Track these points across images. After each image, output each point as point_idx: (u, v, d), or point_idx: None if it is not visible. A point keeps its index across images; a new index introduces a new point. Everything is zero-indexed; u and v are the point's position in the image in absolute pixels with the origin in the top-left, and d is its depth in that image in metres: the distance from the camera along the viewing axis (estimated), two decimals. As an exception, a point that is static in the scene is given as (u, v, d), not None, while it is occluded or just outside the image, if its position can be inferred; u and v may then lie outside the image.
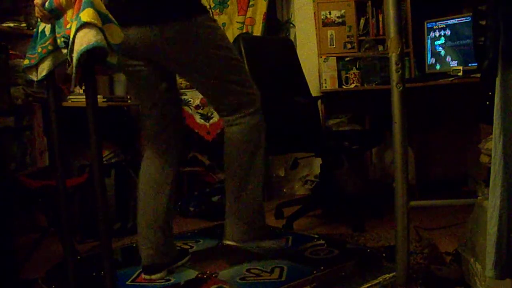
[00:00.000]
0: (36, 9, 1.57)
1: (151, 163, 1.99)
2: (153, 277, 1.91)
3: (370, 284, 1.80)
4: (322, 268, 1.91)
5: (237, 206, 2.09)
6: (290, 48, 3.23)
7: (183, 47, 1.84)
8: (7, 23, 2.88)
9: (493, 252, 1.33)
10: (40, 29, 1.61)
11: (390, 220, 1.91)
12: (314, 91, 3.37)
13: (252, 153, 2.06)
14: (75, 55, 1.35)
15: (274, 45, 3.18)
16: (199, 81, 2.01)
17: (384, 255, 2.07)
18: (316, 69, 3.60)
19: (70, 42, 1.38)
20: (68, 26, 1.44)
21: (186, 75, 2.10)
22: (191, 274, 1.95)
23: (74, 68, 1.36)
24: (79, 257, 2.28)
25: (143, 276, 1.94)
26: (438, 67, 3.39)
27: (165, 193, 1.96)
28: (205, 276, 1.91)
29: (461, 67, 3.16)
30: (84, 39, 1.34)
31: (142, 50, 1.84)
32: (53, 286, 1.90)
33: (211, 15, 1.98)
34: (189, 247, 2.31)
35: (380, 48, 3.54)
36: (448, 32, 3.32)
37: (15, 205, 2.28)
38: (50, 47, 1.58)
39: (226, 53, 1.94)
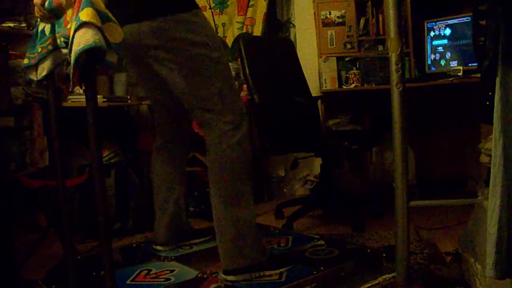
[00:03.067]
0: (36, 8, 1.57)
1: (163, 157, 2.27)
2: (158, 247, 2.27)
3: (370, 284, 1.80)
4: (322, 268, 1.91)
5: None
6: (290, 48, 3.22)
7: (167, 44, 1.80)
8: (7, 23, 2.88)
9: (493, 252, 1.33)
10: (39, 28, 1.61)
11: (390, 220, 1.91)
12: (314, 91, 3.37)
13: (236, 178, 1.83)
14: (72, 55, 1.35)
15: (274, 45, 3.18)
16: (178, 83, 1.85)
17: (384, 255, 2.07)
18: (316, 69, 3.60)
19: (69, 42, 1.38)
20: (68, 26, 1.44)
21: (168, 75, 1.88)
22: (191, 274, 1.95)
23: (71, 68, 1.37)
24: (79, 257, 2.28)
25: (153, 246, 2.29)
26: (438, 67, 3.39)
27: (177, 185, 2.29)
28: (205, 276, 1.91)
29: (461, 67, 3.16)
30: (82, 39, 1.34)
31: (135, 48, 1.85)
32: (53, 286, 1.90)
33: (199, 12, 1.88)
34: (189, 247, 2.32)
35: (380, 48, 3.54)
36: (448, 32, 3.32)
37: (15, 205, 2.28)
38: (50, 47, 1.58)
39: (210, 54, 1.83)
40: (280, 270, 1.89)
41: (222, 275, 1.87)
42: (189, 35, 1.80)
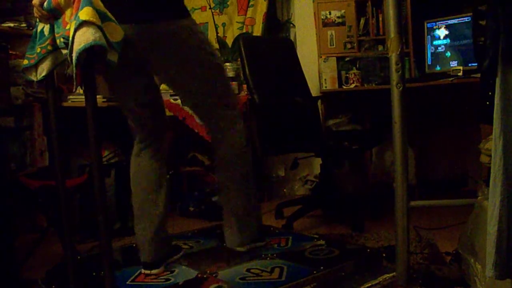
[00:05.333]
0: (35, 9, 1.57)
1: (142, 159, 2.02)
2: (153, 271, 1.96)
3: (370, 284, 1.80)
4: (322, 268, 1.91)
5: (238, 212, 2.12)
6: (290, 48, 3.23)
7: (169, 47, 1.83)
8: (7, 23, 2.88)
9: (493, 252, 1.33)
10: (38, 29, 1.61)
11: (390, 220, 1.91)
12: (314, 91, 3.37)
13: (243, 166, 2.08)
14: (74, 55, 1.35)
15: (274, 45, 3.18)
16: (180, 85, 2.00)
17: (384, 255, 2.07)
18: (316, 69, 3.60)
19: (69, 42, 1.38)
20: (67, 27, 1.44)
21: (170, 78, 2.01)
22: (191, 274, 1.95)
23: (74, 68, 1.36)
24: (79, 257, 2.28)
25: (143, 271, 1.97)
26: (438, 67, 3.39)
27: (162, 193, 2.00)
28: (205, 276, 1.91)
29: (461, 67, 3.16)
30: (83, 38, 1.34)
31: (131, 49, 1.81)
32: (53, 286, 1.90)
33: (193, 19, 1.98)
34: (189, 247, 2.31)
35: (380, 48, 3.54)
36: (448, 32, 3.32)
37: (15, 205, 2.28)
38: (49, 47, 1.58)
39: (211, 58, 1.95)
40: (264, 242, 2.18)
41: (236, 248, 2.10)
42: (197, 41, 1.89)
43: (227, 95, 2.03)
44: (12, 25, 2.90)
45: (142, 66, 1.93)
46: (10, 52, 2.67)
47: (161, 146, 2.05)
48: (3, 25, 2.86)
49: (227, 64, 3.54)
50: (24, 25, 2.96)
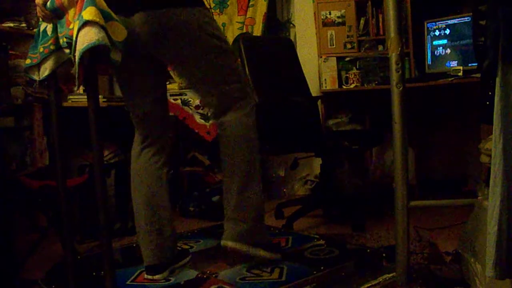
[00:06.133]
0: (38, 8, 1.57)
1: (144, 158, 2.00)
2: (156, 277, 1.91)
3: (370, 284, 1.80)
4: (322, 268, 1.92)
5: (239, 206, 1.95)
6: (290, 48, 3.23)
7: (184, 34, 1.83)
8: (7, 23, 2.88)
9: (493, 252, 1.33)
10: (41, 28, 1.61)
11: (390, 220, 1.91)
12: (314, 91, 3.37)
13: (251, 151, 1.96)
14: (77, 55, 1.35)
15: (274, 45, 3.18)
16: (193, 72, 1.95)
17: (384, 255, 2.07)
18: (316, 69, 3.60)
19: (73, 42, 1.39)
20: (70, 27, 1.44)
21: (182, 65, 1.99)
22: (191, 274, 1.95)
23: (76, 68, 1.37)
24: (79, 257, 2.28)
25: (145, 276, 1.94)
26: (438, 67, 3.39)
27: (163, 190, 1.98)
28: (205, 276, 1.91)
29: (461, 67, 3.16)
30: (86, 38, 1.34)
31: (144, 38, 1.81)
32: (53, 286, 1.90)
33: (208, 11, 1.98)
34: (189, 247, 2.31)
35: (380, 48, 3.54)
36: (448, 32, 3.32)
37: (15, 205, 2.28)
38: (52, 47, 1.58)
39: (223, 44, 1.95)
40: (276, 255, 2.04)
41: (222, 241, 1.95)
42: (210, 28, 1.89)
43: (234, 80, 1.98)
44: (12, 25, 2.89)
45: (151, 62, 1.93)
46: (10, 52, 2.67)
47: (164, 144, 2.03)
48: (3, 25, 2.86)
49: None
50: (24, 25, 2.95)
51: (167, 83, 2.41)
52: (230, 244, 1.94)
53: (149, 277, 1.92)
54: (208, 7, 3.79)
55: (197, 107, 3.53)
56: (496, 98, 1.33)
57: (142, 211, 1.94)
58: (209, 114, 3.33)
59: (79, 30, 1.36)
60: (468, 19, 3.18)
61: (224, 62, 1.94)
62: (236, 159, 1.95)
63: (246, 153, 1.95)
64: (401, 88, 1.69)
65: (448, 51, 3.33)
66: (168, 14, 1.79)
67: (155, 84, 2.01)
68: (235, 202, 1.95)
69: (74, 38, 1.37)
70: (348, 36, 3.56)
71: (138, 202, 1.96)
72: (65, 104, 2.93)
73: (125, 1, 1.56)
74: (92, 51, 1.36)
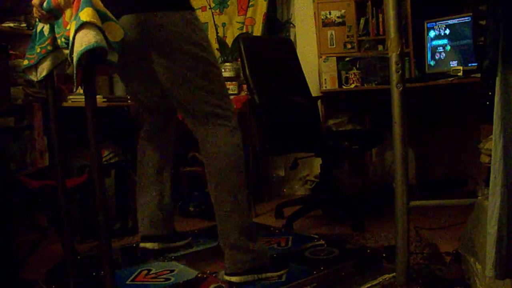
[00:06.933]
0: (34, 9, 1.57)
1: (150, 144, 2.16)
2: (147, 245, 2.09)
3: (370, 284, 1.80)
4: (322, 268, 1.91)
5: (227, 231, 1.85)
6: (290, 48, 3.23)
7: (168, 38, 1.75)
8: (7, 23, 2.88)
9: (493, 252, 1.33)
10: (38, 29, 1.61)
11: (390, 220, 1.91)
12: (314, 91, 3.37)
13: (235, 174, 1.81)
14: (75, 56, 1.35)
15: (274, 45, 3.18)
16: (174, 81, 1.81)
17: (384, 255, 2.07)
18: (316, 69, 3.60)
19: (70, 42, 1.38)
20: (68, 27, 1.44)
21: (164, 72, 1.82)
22: (191, 274, 1.95)
23: (74, 69, 1.36)
24: (79, 257, 2.28)
25: (141, 244, 2.13)
26: (438, 67, 3.39)
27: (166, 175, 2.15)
28: (205, 276, 1.91)
29: (461, 67, 3.16)
30: (84, 40, 1.34)
31: (131, 40, 1.75)
32: (53, 286, 1.90)
33: (197, 15, 1.86)
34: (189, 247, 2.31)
35: (380, 48, 3.54)
36: (448, 32, 3.32)
37: (15, 205, 2.28)
38: (49, 47, 1.58)
39: (207, 56, 1.81)
40: (281, 272, 1.87)
41: (225, 276, 1.82)
42: (196, 36, 1.78)
43: (220, 97, 1.85)
44: (12, 25, 2.89)
45: (151, 62, 1.90)
46: (10, 52, 2.67)
47: (168, 131, 2.18)
48: (3, 25, 2.86)
49: (227, 64, 3.54)
50: (24, 25, 2.96)
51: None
52: (234, 279, 1.82)
53: (142, 244, 2.10)
54: (209, 7, 3.81)
55: (197, 107, 3.52)
56: (496, 98, 1.33)
57: (145, 184, 2.12)
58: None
59: (76, 31, 1.35)
60: (468, 19, 3.18)
61: (204, 76, 1.80)
62: (220, 184, 1.83)
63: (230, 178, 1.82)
64: (401, 88, 1.69)
65: (448, 51, 3.33)
66: (147, 18, 1.73)
67: (156, 81, 2.00)
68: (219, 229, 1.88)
69: (71, 39, 1.37)
70: (348, 36, 3.56)
71: (141, 178, 2.14)
72: (65, 104, 2.93)
73: (113, 4, 1.54)
74: (90, 53, 1.36)
